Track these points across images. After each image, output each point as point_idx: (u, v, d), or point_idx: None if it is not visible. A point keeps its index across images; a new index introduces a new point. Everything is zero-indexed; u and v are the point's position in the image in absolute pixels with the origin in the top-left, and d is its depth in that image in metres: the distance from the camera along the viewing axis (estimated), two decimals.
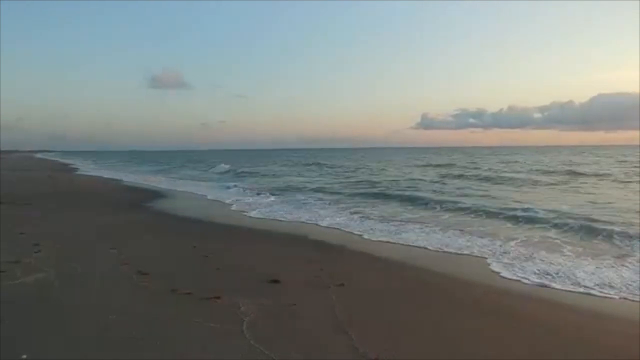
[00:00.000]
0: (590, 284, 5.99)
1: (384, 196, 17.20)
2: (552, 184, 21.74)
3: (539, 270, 6.68)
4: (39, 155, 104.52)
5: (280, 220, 11.76)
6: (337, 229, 10.43)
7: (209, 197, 17.77)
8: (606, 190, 18.49)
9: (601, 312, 5.07)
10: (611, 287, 5.88)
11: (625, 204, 13.84)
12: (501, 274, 6.58)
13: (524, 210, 12.33)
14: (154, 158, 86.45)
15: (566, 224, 10.28)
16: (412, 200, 15.49)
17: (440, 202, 14.59)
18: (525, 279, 6.31)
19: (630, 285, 5.93)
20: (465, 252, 7.98)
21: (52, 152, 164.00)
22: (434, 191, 18.75)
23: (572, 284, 6.02)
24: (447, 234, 9.60)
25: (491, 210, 12.65)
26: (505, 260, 7.29)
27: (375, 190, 19.68)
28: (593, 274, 6.45)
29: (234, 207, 14.45)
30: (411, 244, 8.68)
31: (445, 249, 8.20)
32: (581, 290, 5.82)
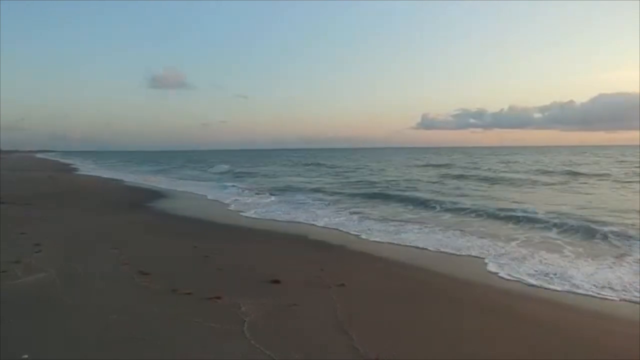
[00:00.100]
0: (590, 285, 6.00)
1: (384, 196, 17.20)
2: (552, 184, 21.76)
3: (538, 270, 6.69)
4: (39, 156, 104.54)
5: (280, 221, 11.77)
6: (337, 229, 10.44)
7: (209, 197, 17.78)
8: (606, 191, 18.51)
9: (601, 313, 5.08)
10: (611, 287, 5.89)
11: (625, 205, 13.85)
12: (501, 275, 6.59)
13: (524, 210, 12.34)
14: (154, 158, 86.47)
15: (566, 225, 10.28)
16: (412, 201, 15.49)
17: (440, 203, 14.59)
18: (525, 279, 6.32)
19: (630, 285, 5.94)
20: (465, 252, 7.99)
21: (52, 152, 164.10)
22: (434, 191, 18.76)
23: (571, 285, 6.03)
24: (447, 234, 9.61)
25: (491, 210, 12.66)
26: (505, 261, 7.30)
27: (375, 190, 19.69)
28: (593, 274, 6.46)
29: (234, 208, 14.46)
30: (411, 244, 8.69)
31: (445, 250, 8.21)
32: (581, 290, 5.83)
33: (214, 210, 14.05)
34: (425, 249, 8.33)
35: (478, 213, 12.47)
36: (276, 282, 5.78)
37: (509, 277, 6.44)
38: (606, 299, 5.55)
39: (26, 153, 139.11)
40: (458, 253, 7.96)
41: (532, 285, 6.08)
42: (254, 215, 12.65)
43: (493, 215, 12.01)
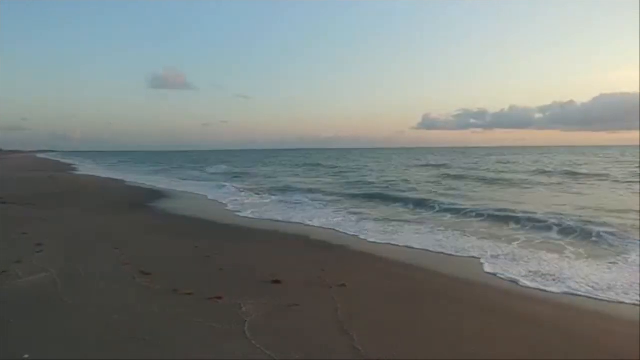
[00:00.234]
0: (590, 285, 6.00)
1: (384, 197, 17.19)
2: (552, 185, 21.75)
3: (538, 271, 6.70)
4: (39, 156, 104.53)
5: (280, 221, 11.78)
6: (337, 229, 10.44)
7: (209, 197, 17.79)
8: (606, 191, 18.50)
9: (601, 313, 5.08)
10: (610, 288, 5.89)
11: (625, 205, 13.84)
12: (500, 275, 6.59)
13: (524, 211, 12.33)
14: (155, 158, 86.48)
15: (566, 225, 10.27)
16: (412, 201, 15.48)
17: (439, 203, 14.59)
18: (525, 279, 6.32)
19: (629, 286, 5.94)
20: (465, 253, 7.99)
21: (53, 152, 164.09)
22: (434, 192, 18.75)
23: (571, 285, 6.03)
24: (447, 234, 9.62)
25: (491, 211, 12.65)
26: (505, 261, 7.30)
27: (374, 190, 19.68)
28: (592, 274, 6.46)
29: (233, 208, 14.46)
30: (411, 244, 8.69)
31: (446, 250, 8.21)
32: (581, 291, 5.83)
33: (215, 210, 14.05)
34: (425, 249, 8.34)
35: (478, 213, 12.47)
36: (277, 282, 5.79)
37: (508, 278, 6.44)
38: (606, 299, 5.55)
39: (27, 153, 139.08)
40: (458, 254, 7.97)
41: (532, 286, 6.08)
42: (254, 216, 12.66)
43: (493, 216, 12.00)
